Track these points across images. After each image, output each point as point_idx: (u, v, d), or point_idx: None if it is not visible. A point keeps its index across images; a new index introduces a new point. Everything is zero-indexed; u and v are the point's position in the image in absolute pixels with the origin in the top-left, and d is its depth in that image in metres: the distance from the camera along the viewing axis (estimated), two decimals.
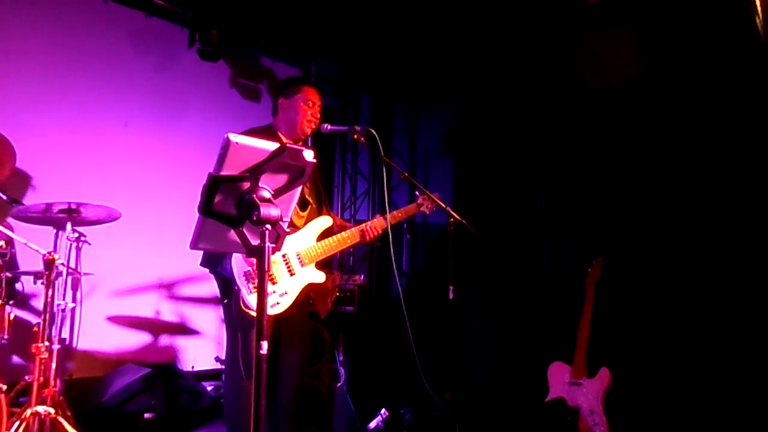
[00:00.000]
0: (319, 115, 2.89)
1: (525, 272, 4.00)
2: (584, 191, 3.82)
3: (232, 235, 1.42)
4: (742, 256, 3.07)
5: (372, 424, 3.47)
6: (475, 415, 3.49)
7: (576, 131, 3.94)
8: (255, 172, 1.37)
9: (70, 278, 3.35)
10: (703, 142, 3.29)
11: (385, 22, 4.53)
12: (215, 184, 1.34)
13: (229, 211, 1.39)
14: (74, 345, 3.59)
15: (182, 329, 4.20)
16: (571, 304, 3.34)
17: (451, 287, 3.00)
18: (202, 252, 2.73)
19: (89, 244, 3.42)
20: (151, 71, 4.25)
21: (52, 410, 2.52)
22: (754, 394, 2.88)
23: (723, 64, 3.23)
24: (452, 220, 3.00)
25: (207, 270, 2.74)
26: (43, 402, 2.54)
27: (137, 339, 4.00)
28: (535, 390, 3.25)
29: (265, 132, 2.78)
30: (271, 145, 1.40)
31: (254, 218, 1.36)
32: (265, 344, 1.35)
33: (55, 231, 3.11)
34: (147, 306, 4.05)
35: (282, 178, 1.45)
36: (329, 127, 2.90)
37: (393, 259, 2.98)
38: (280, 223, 1.41)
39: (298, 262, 2.74)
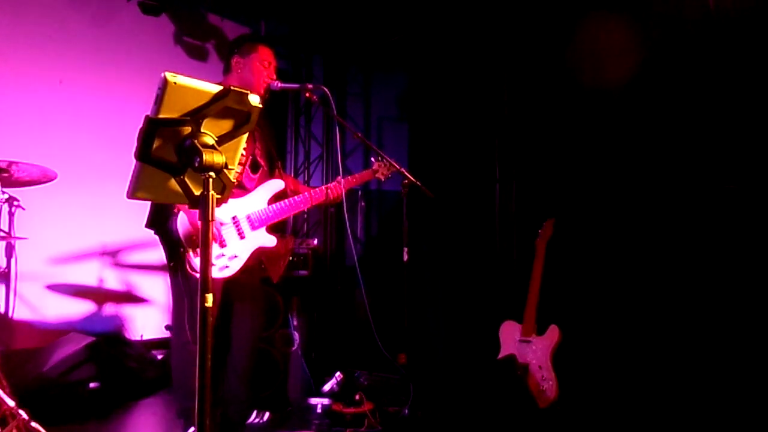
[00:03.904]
0: (274, 76, 2.81)
1: (478, 233, 4.05)
2: (537, 154, 3.87)
3: (173, 183, 1.34)
4: (689, 217, 3.19)
5: (327, 387, 3.47)
6: (429, 375, 3.55)
7: (531, 96, 3.96)
8: (197, 116, 1.28)
9: (3, 243, 3.17)
10: (653, 105, 3.37)
11: None
12: (153, 128, 1.25)
13: (168, 158, 1.30)
14: (11, 314, 3.40)
15: (129, 297, 4.05)
16: (523, 265, 3.41)
17: (406, 249, 3.01)
18: (147, 213, 2.62)
19: (23, 209, 3.24)
20: (87, 25, 3.97)
21: None
22: (702, 347, 3.03)
23: (672, 29, 3.29)
24: (407, 182, 2.99)
25: (153, 233, 2.64)
26: None
27: (80, 308, 3.84)
28: (487, 348, 3.32)
29: None
30: (213, 87, 1.32)
31: (196, 165, 1.28)
32: (210, 296, 1.29)
33: None
34: (90, 273, 3.88)
35: (227, 124, 1.37)
36: (280, 84, 2.81)
37: (347, 223, 2.95)
38: (225, 171, 1.33)
39: (248, 225, 2.67)
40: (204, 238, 1.30)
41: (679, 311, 3.16)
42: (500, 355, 3.25)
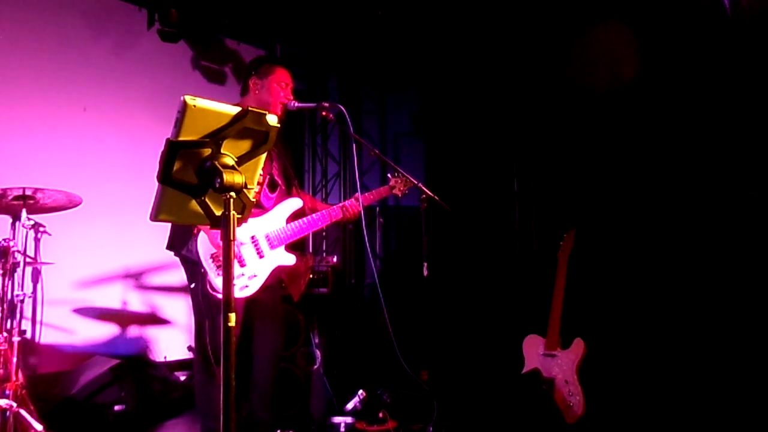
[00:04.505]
0: (291, 97, 2.84)
1: (498, 247, 4.02)
2: (555, 166, 3.85)
3: (195, 205, 1.35)
4: (710, 227, 3.14)
5: (350, 406, 3.43)
6: (452, 392, 3.50)
7: (547, 108, 3.95)
8: (216, 138, 1.30)
9: (30, 269, 3.22)
10: (673, 114, 3.33)
11: (352, 1, 4.45)
12: (174, 151, 1.27)
13: (189, 180, 1.32)
14: (37, 339, 3.46)
15: (152, 319, 4.09)
16: (545, 278, 3.36)
17: (425, 264, 2.99)
18: (168, 235, 2.65)
19: (49, 234, 3.30)
20: (109, 53, 4.09)
21: (14, 404, 2.42)
22: (727, 361, 2.95)
23: (689, 37, 3.27)
24: (425, 197, 2.98)
25: (173, 255, 2.67)
26: (5, 396, 2.44)
27: (105, 331, 3.88)
28: (511, 363, 3.27)
29: None
30: (232, 109, 1.34)
31: (217, 185, 1.30)
32: (233, 316, 1.29)
33: (11, 219, 2.96)
34: (114, 296, 3.93)
35: (246, 144, 1.38)
36: (296, 104, 2.84)
37: (366, 240, 2.94)
38: (245, 191, 1.35)
39: (267, 244, 2.68)
40: (226, 257, 1.31)
41: (706, 320, 3.08)
42: (524, 370, 3.19)
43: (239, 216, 1.36)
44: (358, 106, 5.26)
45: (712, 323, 3.06)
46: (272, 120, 1.37)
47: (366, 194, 3.01)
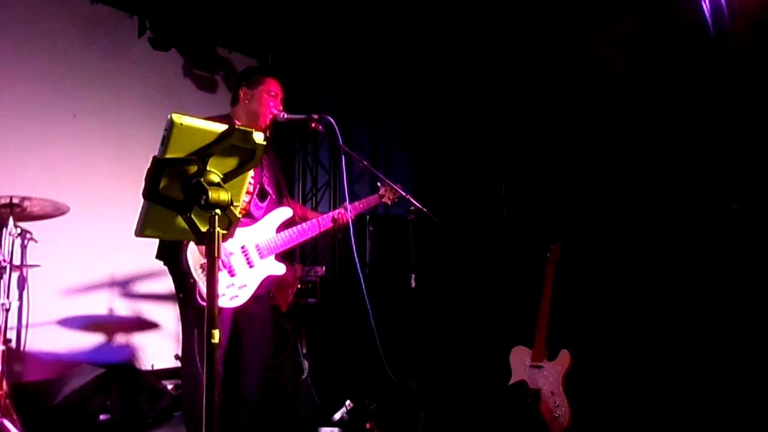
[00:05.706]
0: (281, 107, 2.85)
1: (486, 258, 4.04)
2: (544, 177, 3.88)
3: (180, 221, 1.36)
4: (696, 240, 3.18)
5: (337, 416, 3.44)
6: (439, 402, 3.51)
7: (535, 119, 3.99)
8: (202, 155, 1.31)
9: (16, 276, 3.21)
10: (660, 127, 3.38)
11: (344, 11, 4.48)
12: (160, 168, 1.28)
13: (175, 196, 1.33)
14: (23, 347, 3.43)
15: (139, 327, 4.07)
16: (532, 289, 3.39)
17: (413, 275, 3.01)
18: (157, 245, 2.65)
19: (35, 241, 3.29)
20: (99, 61, 4.08)
21: None
22: (713, 372, 2.98)
23: (674, 53, 3.32)
24: (413, 208, 3.00)
25: (162, 263, 2.66)
26: None
27: (91, 339, 3.85)
28: (498, 374, 3.29)
29: (223, 121, 2.72)
30: (219, 127, 1.35)
31: (202, 203, 1.31)
32: (216, 333, 1.30)
33: None
34: (100, 304, 3.91)
35: (232, 162, 1.40)
36: (286, 115, 2.84)
37: (354, 250, 2.94)
38: (231, 208, 1.36)
39: (257, 253, 2.69)
40: (210, 274, 1.32)
41: (693, 332, 3.12)
42: (511, 381, 3.21)
43: (225, 232, 1.37)
44: (350, 114, 5.28)
45: (698, 335, 3.10)
46: (258, 138, 1.39)
47: (355, 203, 3.02)
